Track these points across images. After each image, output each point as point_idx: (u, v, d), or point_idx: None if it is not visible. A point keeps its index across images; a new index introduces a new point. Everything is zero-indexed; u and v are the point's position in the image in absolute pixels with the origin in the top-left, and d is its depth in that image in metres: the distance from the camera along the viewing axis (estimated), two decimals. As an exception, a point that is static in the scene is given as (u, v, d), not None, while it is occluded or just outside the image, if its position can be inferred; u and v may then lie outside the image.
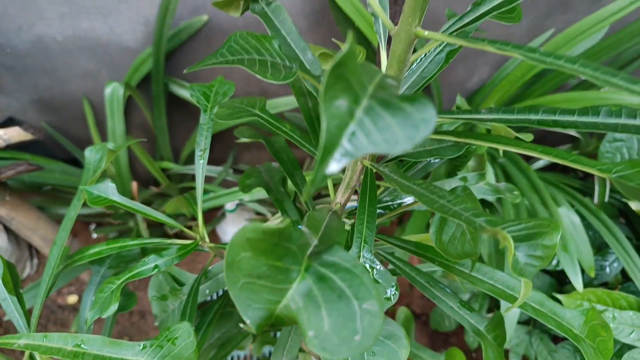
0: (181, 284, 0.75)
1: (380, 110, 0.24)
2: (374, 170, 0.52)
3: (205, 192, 1.68)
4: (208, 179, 1.71)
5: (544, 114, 0.41)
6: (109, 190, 0.64)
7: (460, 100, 0.83)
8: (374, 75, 0.30)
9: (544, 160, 1.55)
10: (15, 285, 0.74)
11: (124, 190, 1.52)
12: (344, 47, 0.22)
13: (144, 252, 0.94)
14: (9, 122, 1.46)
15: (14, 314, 0.70)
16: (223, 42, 0.40)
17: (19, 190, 1.41)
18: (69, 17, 1.21)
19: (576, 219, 1.18)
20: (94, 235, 1.84)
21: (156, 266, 0.63)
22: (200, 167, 0.70)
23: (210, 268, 0.72)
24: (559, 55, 0.31)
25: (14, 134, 1.27)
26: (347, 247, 0.48)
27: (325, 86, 0.22)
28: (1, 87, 1.37)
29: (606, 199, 1.47)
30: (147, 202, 1.67)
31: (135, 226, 1.64)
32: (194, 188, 1.70)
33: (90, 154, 0.69)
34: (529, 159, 1.58)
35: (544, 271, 1.36)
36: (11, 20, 1.19)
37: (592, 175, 1.56)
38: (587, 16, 1.27)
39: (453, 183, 0.73)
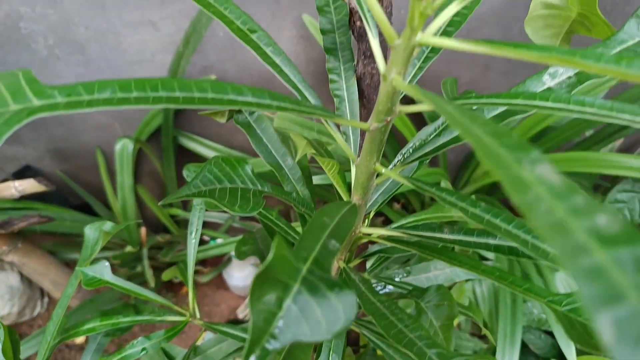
0: (171, 358, 0.78)
1: (309, 298, 0.27)
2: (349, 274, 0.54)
3: (212, 238, 1.71)
4: (215, 225, 1.75)
5: (478, 236, 0.43)
6: (103, 271, 0.68)
7: (444, 183, 0.85)
8: (318, 238, 0.33)
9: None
10: (15, 352, 0.76)
11: (131, 237, 1.57)
12: (269, 257, 0.25)
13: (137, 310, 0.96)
14: (25, 170, 1.52)
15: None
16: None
17: (31, 236, 1.46)
18: (84, 77, 1.27)
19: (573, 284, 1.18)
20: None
21: (144, 349, 0.65)
22: (192, 247, 0.72)
23: (199, 344, 0.75)
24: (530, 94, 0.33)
25: (28, 186, 1.32)
26: (318, 354, 0.50)
27: (251, 292, 0.24)
28: (19, 138, 1.44)
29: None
30: (157, 247, 1.71)
31: (142, 269, 1.68)
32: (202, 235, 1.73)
33: (89, 232, 0.73)
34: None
35: (547, 332, 1.34)
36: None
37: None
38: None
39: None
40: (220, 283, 1.86)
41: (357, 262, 0.68)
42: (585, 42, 0.73)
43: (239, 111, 0.54)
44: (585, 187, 1.51)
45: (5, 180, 1.51)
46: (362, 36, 0.50)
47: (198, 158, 1.56)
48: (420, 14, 0.28)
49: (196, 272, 1.82)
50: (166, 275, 1.01)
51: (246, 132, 0.54)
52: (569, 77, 0.43)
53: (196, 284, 1.80)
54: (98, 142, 1.47)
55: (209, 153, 1.45)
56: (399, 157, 0.47)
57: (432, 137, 0.46)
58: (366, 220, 0.60)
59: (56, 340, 0.73)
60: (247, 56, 1.28)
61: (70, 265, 1.68)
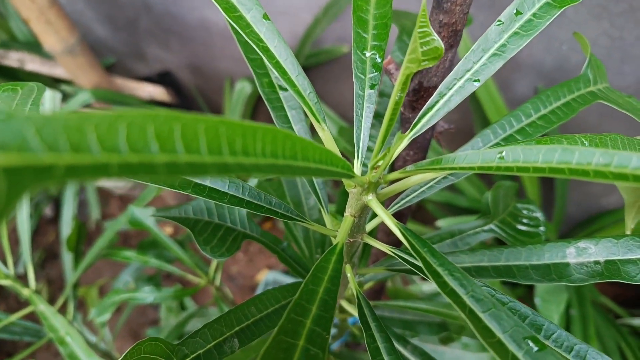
0: (185, 309, 0.84)
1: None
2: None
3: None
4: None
5: None
6: (146, 216, 0.74)
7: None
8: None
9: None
10: (78, 244, 0.88)
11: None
12: None
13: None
14: (166, 74, 1.68)
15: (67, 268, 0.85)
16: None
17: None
18: (232, 11, 1.33)
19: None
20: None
21: (155, 298, 0.72)
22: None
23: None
24: None
25: (158, 93, 1.46)
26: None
27: None
28: (169, 46, 1.57)
29: None
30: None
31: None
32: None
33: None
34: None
35: None
36: (185, 2, 1.35)
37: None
38: None
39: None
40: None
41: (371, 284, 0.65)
42: None
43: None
44: None
45: (149, 78, 1.68)
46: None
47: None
48: (370, 183, 0.24)
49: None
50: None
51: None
52: (596, 263, 0.35)
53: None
54: (231, 72, 1.55)
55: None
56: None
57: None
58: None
59: (102, 253, 0.84)
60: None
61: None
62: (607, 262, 0.36)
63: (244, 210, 0.45)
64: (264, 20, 0.34)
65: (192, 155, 0.15)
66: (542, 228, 0.52)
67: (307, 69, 1.40)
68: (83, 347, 0.64)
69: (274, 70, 0.32)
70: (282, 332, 0.26)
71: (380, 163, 0.27)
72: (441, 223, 1.23)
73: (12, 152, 0.10)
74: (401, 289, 1.00)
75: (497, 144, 0.39)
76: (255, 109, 1.59)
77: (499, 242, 1.31)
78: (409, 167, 0.28)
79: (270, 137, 0.18)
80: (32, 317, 0.84)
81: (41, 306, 0.73)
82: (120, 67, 1.76)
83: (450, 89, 0.36)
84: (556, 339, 0.34)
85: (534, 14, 0.30)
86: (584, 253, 0.37)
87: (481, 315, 0.24)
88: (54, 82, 1.66)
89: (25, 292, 0.79)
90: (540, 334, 0.34)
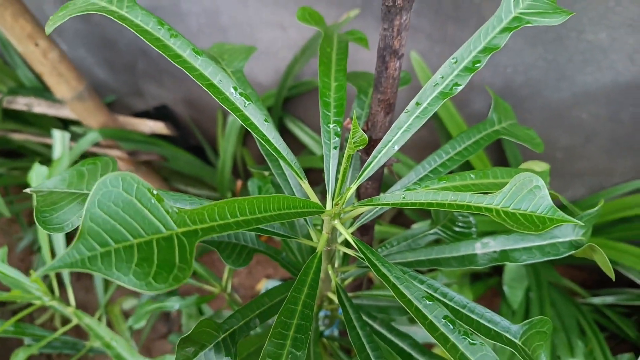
0: (203, 314, 1.01)
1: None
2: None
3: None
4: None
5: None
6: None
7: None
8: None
9: (600, 298, 1.52)
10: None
11: (222, 183, 1.82)
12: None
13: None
14: (163, 108, 1.85)
15: (99, 289, 1.01)
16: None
17: (153, 164, 1.79)
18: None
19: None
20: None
21: (180, 306, 0.88)
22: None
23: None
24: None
25: (158, 127, 1.63)
26: None
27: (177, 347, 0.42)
28: (164, 83, 1.74)
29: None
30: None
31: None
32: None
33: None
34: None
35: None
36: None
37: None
38: None
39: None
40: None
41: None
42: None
43: (272, 174, 0.71)
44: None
45: (146, 112, 1.85)
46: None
47: (295, 139, 1.76)
48: (335, 214, 0.42)
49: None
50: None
51: (277, 192, 0.71)
52: (494, 252, 0.53)
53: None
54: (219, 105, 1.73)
55: (304, 138, 1.64)
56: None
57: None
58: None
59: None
60: (356, 68, 1.41)
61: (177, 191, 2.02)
62: (502, 251, 0.54)
63: (253, 235, 0.62)
64: (247, 102, 0.52)
65: (240, 218, 0.32)
66: (473, 229, 0.70)
67: (290, 99, 1.58)
68: (128, 348, 0.81)
69: (266, 146, 0.50)
70: (282, 315, 0.43)
71: (339, 201, 0.44)
72: (416, 226, 1.41)
73: (200, 225, 0.27)
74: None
75: (426, 176, 0.57)
76: (246, 136, 1.77)
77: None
78: (356, 203, 0.45)
79: (276, 200, 0.36)
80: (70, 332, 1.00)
81: (87, 319, 0.89)
82: (120, 104, 1.92)
83: (390, 140, 0.53)
84: (472, 309, 0.52)
85: (428, 104, 0.48)
86: (486, 246, 0.55)
87: (398, 284, 0.42)
88: (60, 123, 1.82)
89: (68, 310, 0.95)
90: (458, 312, 0.51)
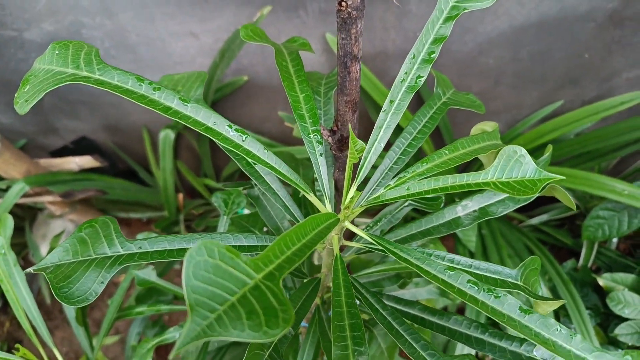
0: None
1: None
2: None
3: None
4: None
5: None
6: (151, 274, 0.90)
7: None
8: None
9: (537, 218, 1.71)
10: (84, 316, 1.02)
11: (168, 201, 1.81)
12: None
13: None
14: (82, 140, 1.76)
15: (83, 340, 0.99)
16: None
17: (87, 198, 1.72)
18: (136, 70, 1.46)
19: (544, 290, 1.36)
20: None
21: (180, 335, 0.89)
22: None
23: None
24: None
25: (86, 162, 1.56)
26: None
27: None
28: (78, 115, 1.66)
29: (591, 262, 1.62)
30: (190, 219, 1.95)
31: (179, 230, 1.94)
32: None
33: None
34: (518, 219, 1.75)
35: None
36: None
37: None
38: (594, 98, 1.41)
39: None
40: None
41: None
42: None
43: (251, 186, 0.73)
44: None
45: (65, 147, 1.76)
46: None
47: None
48: (345, 217, 0.46)
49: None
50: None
51: (255, 203, 0.73)
52: (474, 211, 0.60)
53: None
54: (145, 122, 1.68)
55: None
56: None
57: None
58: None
59: (115, 316, 0.98)
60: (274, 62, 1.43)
61: (124, 222, 1.96)
62: (480, 209, 0.61)
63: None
64: (244, 136, 0.54)
65: (293, 248, 0.36)
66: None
67: (218, 101, 1.58)
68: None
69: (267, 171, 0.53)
70: (335, 320, 0.47)
71: (350, 204, 0.49)
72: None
73: (271, 265, 0.31)
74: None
75: (399, 159, 0.62)
76: (176, 149, 1.74)
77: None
78: (363, 203, 0.50)
79: (309, 222, 0.39)
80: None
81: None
82: (33, 146, 1.81)
83: (375, 140, 0.58)
84: (477, 267, 0.59)
85: (400, 99, 0.53)
86: (466, 208, 0.62)
87: (420, 264, 0.47)
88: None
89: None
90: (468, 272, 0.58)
